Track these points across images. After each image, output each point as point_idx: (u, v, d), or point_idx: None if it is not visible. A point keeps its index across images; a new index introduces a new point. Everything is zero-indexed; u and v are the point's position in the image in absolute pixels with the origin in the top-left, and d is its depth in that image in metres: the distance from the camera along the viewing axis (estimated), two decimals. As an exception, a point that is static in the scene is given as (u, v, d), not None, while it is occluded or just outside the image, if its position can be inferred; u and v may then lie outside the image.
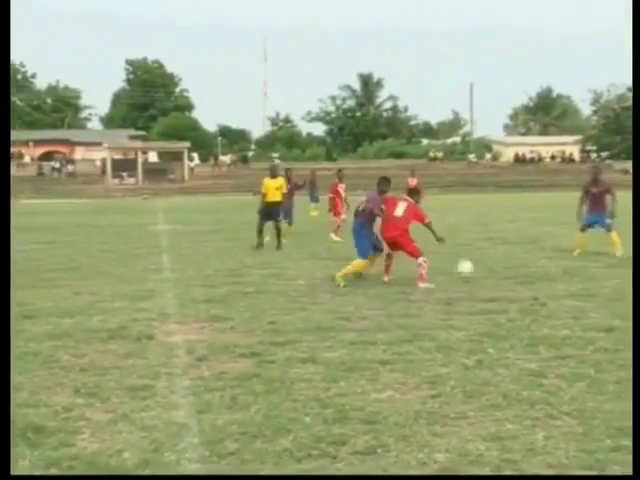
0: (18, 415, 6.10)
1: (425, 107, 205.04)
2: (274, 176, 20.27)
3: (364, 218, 13.53)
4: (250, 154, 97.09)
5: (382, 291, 12.52)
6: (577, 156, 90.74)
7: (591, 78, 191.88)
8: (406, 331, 9.27)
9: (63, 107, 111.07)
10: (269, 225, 19.89)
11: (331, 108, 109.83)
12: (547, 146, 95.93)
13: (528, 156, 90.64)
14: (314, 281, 13.75)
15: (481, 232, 23.93)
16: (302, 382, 7.13)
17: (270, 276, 14.43)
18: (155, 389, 6.94)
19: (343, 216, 23.32)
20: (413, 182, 29.56)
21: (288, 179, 22.77)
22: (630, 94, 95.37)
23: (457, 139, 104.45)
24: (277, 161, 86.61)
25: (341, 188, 24.44)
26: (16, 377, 7.25)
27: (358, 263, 13.46)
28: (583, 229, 17.67)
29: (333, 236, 22.25)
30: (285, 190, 20.25)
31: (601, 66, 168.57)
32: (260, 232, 19.60)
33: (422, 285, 12.83)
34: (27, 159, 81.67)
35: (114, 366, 7.79)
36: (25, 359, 8.10)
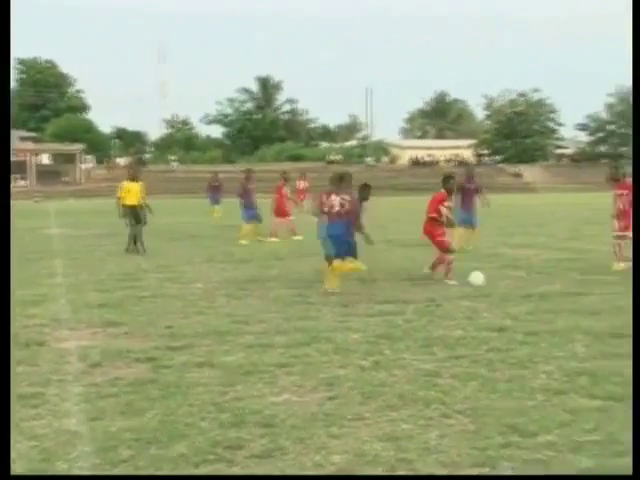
0: None
1: (324, 111, 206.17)
2: (133, 179, 20.08)
3: (348, 219, 13.03)
4: (147, 156, 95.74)
5: (281, 294, 12.53)
6: (472, 159, 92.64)
7: (486, 84, 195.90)
8: (304, 334, 9.31)
9: None
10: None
11: (229, 110, 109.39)
12: (443, 149, 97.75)
13: (425, 159, 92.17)
14: (212, 285, 13.67)
15: (379, 235, 24.15)
16: (199, 386, 7.08)
17: (167, 280, 14.28)
18: (46, 397, 6.79)
19: (291, 217, 23.97)
20: (300, 185, 29.74)
21: (247, 179, 23.60)
22: (522, 99, 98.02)
23: (355, 142, 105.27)
24: (175, 164, 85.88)
25: (286, 190, 24.71)
26: None
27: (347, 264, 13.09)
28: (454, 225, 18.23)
29: (273, 239, 22.56)
30: (144, 194, 19.99)
31: (495, 72, 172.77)
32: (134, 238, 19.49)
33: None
34: None
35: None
36: None
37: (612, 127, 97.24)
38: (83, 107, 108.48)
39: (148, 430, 5.84)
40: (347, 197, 13.11)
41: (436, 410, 6.29)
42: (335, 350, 8.46)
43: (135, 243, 19.45)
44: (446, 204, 14.10)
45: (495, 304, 11.35)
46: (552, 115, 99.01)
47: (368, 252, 14.22)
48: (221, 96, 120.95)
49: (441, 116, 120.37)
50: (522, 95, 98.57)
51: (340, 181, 13.32)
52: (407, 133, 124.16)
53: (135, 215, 19.67)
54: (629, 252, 14.97)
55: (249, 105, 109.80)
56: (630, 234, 14.41)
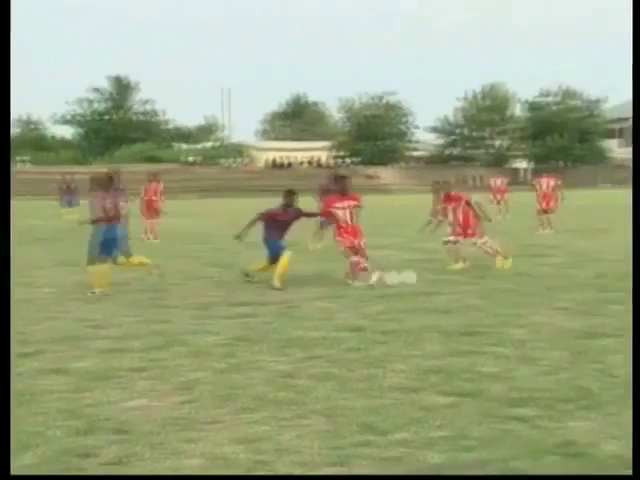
0: None
1: (181, 112, 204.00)
2: None
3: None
4: None
5: (137, 297, 12.35)
6: (328, 162, 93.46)
7: (340, 86, 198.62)
8: (160, 337, 9.20)
9: None
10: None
11: (80, 110, 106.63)
12: (300, 151, 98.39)
13: (282, 161, 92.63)
14: (64, 289, 13.33)
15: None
16: (50, 394, 6.90)
17: (17, 284, 13.81)
18: None
19: (157, 219, 24.13)
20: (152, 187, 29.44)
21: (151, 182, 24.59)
22: (378, 102, 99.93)
23: (210, 144, 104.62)
24: (27, 165, 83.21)
25: (156, 191, 24.76)
26: None
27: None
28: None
29: (150, 238, 22.89)
30: None
31: (350, 74, 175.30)
32: None
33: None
34: None
35: None
36: None
37: (463, 130, 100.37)
38: None
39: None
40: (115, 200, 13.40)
41: (293, 411, 6.34)
42: (191, 353, 8.41)
43: None
44: (340, 205, 14.39)
45: (351, 304, 11.54)
46: (407, 118, 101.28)
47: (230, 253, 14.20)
48: (70, 95, 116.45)
49: (298, 118, 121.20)
50: (376, 98, 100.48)
51: (108, 182, 13.60)
52: (264, 135, 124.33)
53: None
54: (462, 251, 15.57)
55: (102, 105, 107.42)
56: (461, 239, 15.84)
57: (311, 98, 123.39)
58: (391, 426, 5.90)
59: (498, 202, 34.22)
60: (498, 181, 36.60)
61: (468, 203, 16.07)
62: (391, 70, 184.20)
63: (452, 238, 16.05)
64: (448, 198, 16.43)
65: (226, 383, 7.20)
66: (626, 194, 23.70)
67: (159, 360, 8.13)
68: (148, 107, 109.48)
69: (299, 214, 14.59)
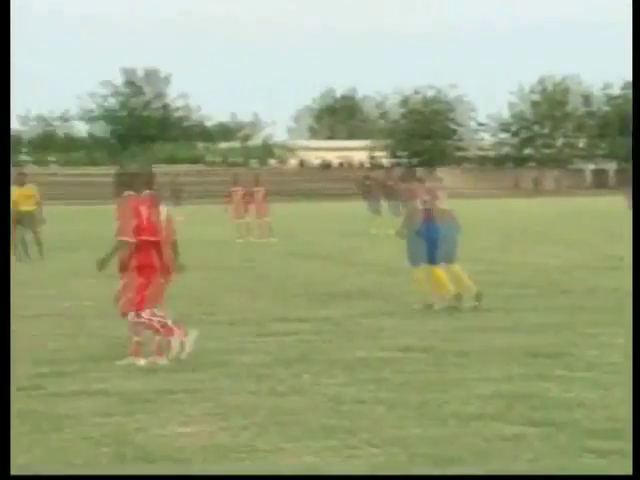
0: None
1: (216, 109, 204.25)
2: (22, 184, 21.29)
3: None
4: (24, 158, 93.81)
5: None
6: (379, 162, 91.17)
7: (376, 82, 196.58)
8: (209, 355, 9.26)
9: None
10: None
11: (112, 105, 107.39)
12: (350, 151, 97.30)
13: (333, 162, 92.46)
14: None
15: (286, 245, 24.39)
16: (93, 417, 6.99)
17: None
18: None
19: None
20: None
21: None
22: (439, 96, 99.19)
23: (257, 142, 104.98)
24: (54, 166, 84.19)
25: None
26: None
27: None
28: None
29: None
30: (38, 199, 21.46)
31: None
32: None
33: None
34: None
35: None
36: None
37: (532, 127, 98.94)
38: None
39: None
40: None
41: (364, 440, 6.26)
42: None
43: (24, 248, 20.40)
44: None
45: (420, 321, 11.49)
46: (471, 114, 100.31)
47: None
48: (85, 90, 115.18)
49: (347, 115, 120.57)
50: (418, 92, 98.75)
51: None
52: (313, 134, 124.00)
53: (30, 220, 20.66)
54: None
55: (135, 100, 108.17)
56: None
57: (360, 93, 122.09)
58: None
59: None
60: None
61: None
62: (446, 63, 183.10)
63: None
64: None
65: (285, 407, 7.22)
66: None
67: (208, 381, 8.21)
68: (184, 102, 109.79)
69: None
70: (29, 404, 7.38)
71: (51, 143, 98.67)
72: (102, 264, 9.26)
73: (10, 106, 7.36)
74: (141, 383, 8.16)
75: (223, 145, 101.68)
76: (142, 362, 8.93)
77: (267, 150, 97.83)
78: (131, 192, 9.30)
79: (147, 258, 9.07)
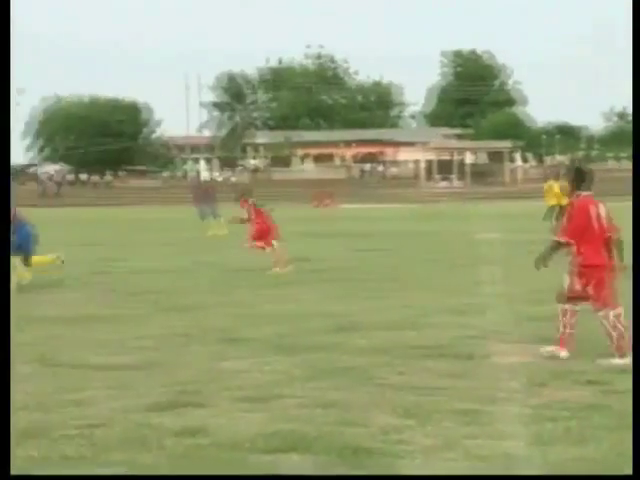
0: (337, 434, 6.24)
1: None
2: (558, 178, 21.13)
3: None
4: (592, 154, 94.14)
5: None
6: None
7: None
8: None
9: (377, 105, 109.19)
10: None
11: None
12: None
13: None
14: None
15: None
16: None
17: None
18: (481, 415, 6.86)
19: None
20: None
21: None
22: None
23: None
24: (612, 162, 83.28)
25: None
26: (331, 393, 7.48)
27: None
28: None
29: None
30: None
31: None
32: None
33: None
34: (337, 161, 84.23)
35: (434, 386, 7.75)
36: (337, 373, 8.24)
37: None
38: (512, 101, 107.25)
39: (592, 460, 5.78)
40: None
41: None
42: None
43: None
44: None
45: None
46: None
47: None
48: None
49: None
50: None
51: None
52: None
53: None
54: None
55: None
56: None
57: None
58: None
59: None
60: None
61: None
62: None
63: None
64: None
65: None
66: None
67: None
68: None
69: None
70: (588, 399, 7.34)
71: (616, 139, 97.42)
72: (540, 262, 9.27)
73: (10, 106, 7.14)
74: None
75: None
76: (564, 354, 8.90)
77: None
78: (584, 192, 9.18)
79: (598, 257, 9.02)
